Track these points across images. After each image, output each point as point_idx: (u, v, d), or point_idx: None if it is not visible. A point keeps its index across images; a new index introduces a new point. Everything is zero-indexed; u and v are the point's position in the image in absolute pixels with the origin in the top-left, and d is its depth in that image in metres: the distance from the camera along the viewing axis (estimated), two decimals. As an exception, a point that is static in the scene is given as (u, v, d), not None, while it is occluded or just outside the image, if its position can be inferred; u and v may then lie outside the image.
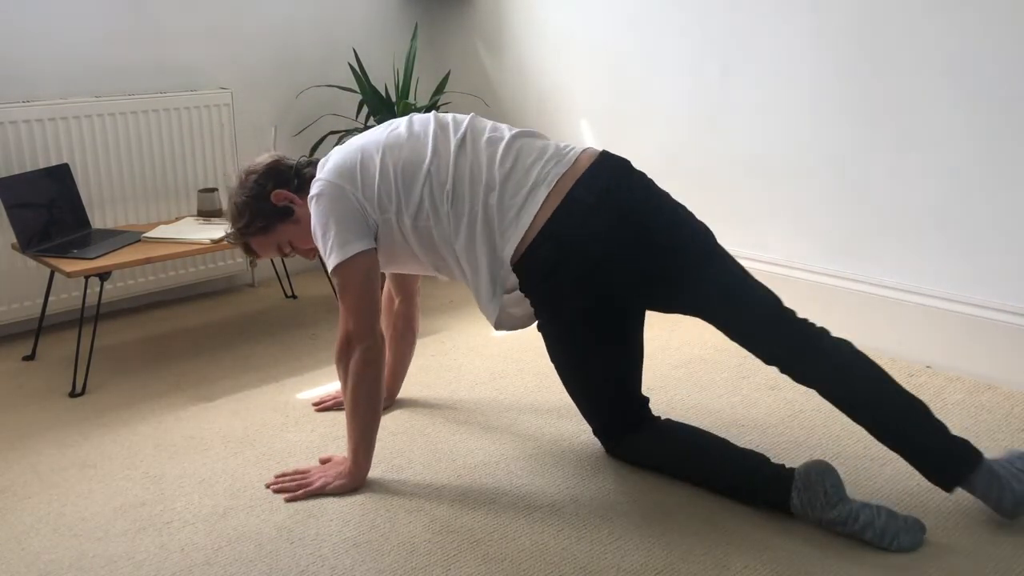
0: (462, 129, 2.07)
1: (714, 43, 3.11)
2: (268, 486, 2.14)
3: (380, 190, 2.01)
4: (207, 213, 3.18)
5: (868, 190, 2.82)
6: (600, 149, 2.08)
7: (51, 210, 2.93)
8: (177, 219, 3.21)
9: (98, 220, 3.16)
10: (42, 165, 3.00)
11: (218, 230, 2.97)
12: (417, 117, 2.14)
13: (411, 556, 1.88)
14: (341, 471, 2.13)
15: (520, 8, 3.70)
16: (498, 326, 2.09)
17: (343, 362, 2.08)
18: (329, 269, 2.02)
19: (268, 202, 2.14)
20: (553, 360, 2.19)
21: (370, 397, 2.08)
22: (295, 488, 2.12)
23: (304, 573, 1.83)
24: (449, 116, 2.13)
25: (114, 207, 3.22)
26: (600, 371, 2.14)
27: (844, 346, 1.97)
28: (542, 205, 1.95)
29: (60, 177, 2.99)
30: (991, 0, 2.47)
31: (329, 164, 2.08)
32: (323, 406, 2.55)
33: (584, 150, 2.06)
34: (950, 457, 1.88)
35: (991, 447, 2.23)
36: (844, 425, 2.36)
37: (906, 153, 2.72)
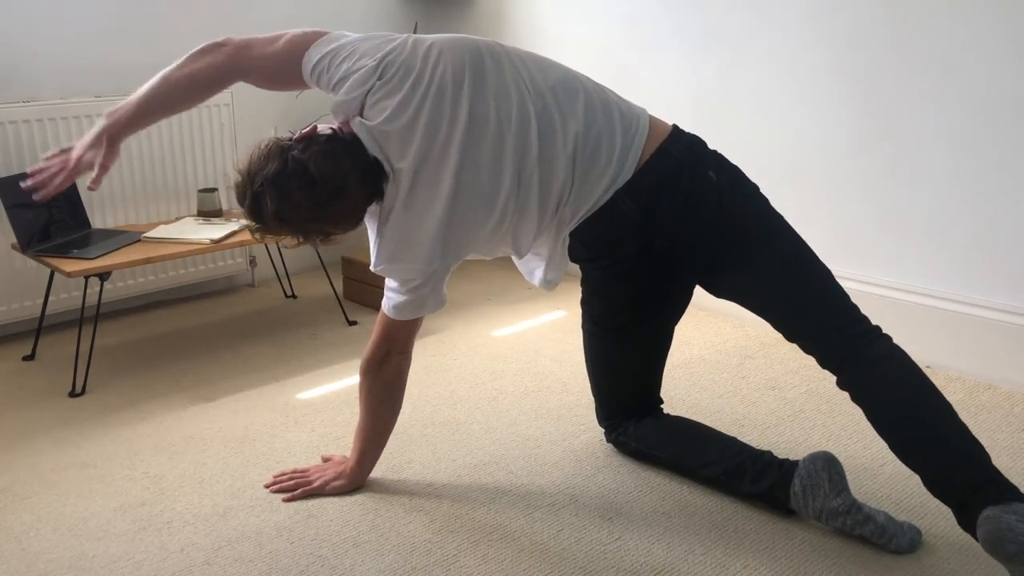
0: (530, 167, 1.85)
1: (714, 43, 3.11)
2: (267, 487, 2.14)
3: (474, 251, 1.96)
4: (207, 213, 3.18)
5: (868, 190, 2.82)
6: (663, 135, 1.93)
7: (51, 210, 2.92)
8: (177, 219, 3.21)
9: (98, 220, 3.16)
10: (42, 165, 3.00)
11: (218, 230, 2.97)
12: (476, 123, 1.82)
13: (411, 556, 1.88)
14: (341, 471, 2.13)
15: (519, 7, 3.70)
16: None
17: (372, 371, 2.04)
18: (391, 316, 1.96)
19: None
20: (584, 336, 2.19)
21: (394, 405, 2.10)
22: (294, 487, 2.12)
23: (304, 573, 1.83)
24: (512, 125, 1.83)
25: (114, 207, 3.22)
26: (628, 354, 2.15)
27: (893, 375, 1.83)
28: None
29: (60, 177, 2.99)
30: None
31: (428, 246, 1.84)
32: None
33: (645, 142, 1.90)
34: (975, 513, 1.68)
35: (991, 447, 2.22)
36: (844, 425, 2.37)
37: (906, 153, 2.72)
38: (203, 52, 1.92)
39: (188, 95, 1.95)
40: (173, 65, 1.92)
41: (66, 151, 1.93)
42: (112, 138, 1.90)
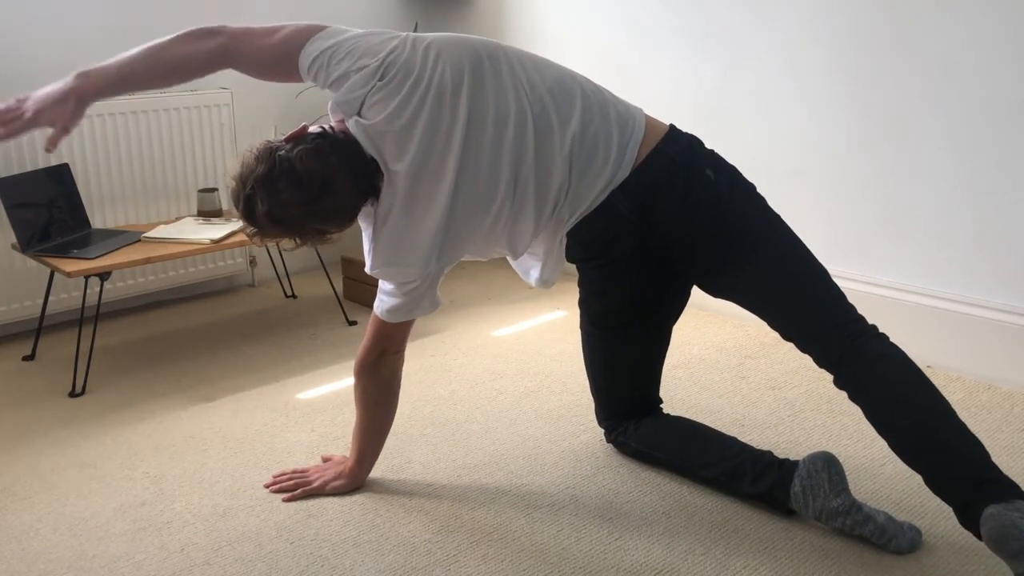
0: (527, 169, 1.86)
1: (714, 43, 3.11)
2: (267, 487, 2.14)
3: (469, 253, 1.97)
4: (207, 213, 3.18)
5: (868, 190, 2.82)
6: (660, 135, 1.93)
7: (51, 210, 2.93)
8: (177, 219, 3.21)
9: (98, 220, 3.16)
10: (42, 165, 3.00)
11: (218, 230, 2.97)
12: (481, 140, 1.83)
13: (411, 556, 1.88)
14: (341, 471, 2.13)
15: (519, 8, 3.70)
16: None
17: (367, 372, 2.04)
18: (384, 319, 1.97)
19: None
20: (582, 336, 2.19)
21: (391, 404, 2.11)
22: (293, 487, 2.12)
23: (304, 573, 1.83)
24: (509, 127, 1.83)
25: (114, 207, 3.22)
26: (627, 354, 2.15)
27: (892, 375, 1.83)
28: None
29: (60, 177, 2.99)
30: None
31: (426, 249, 1.86)
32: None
33: (641, 142, 1.90)
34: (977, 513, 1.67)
35: (991, 447, 2.22)
36: (844, 425, 2.37)
37: (906, 153, 2.72)
38: (196, 36, 1.90)
39: (173, 75, 1.91)
40: (161, 40, 1.88)
41: (22, 100, 1.80)
42: (81, 101, 1.82)
